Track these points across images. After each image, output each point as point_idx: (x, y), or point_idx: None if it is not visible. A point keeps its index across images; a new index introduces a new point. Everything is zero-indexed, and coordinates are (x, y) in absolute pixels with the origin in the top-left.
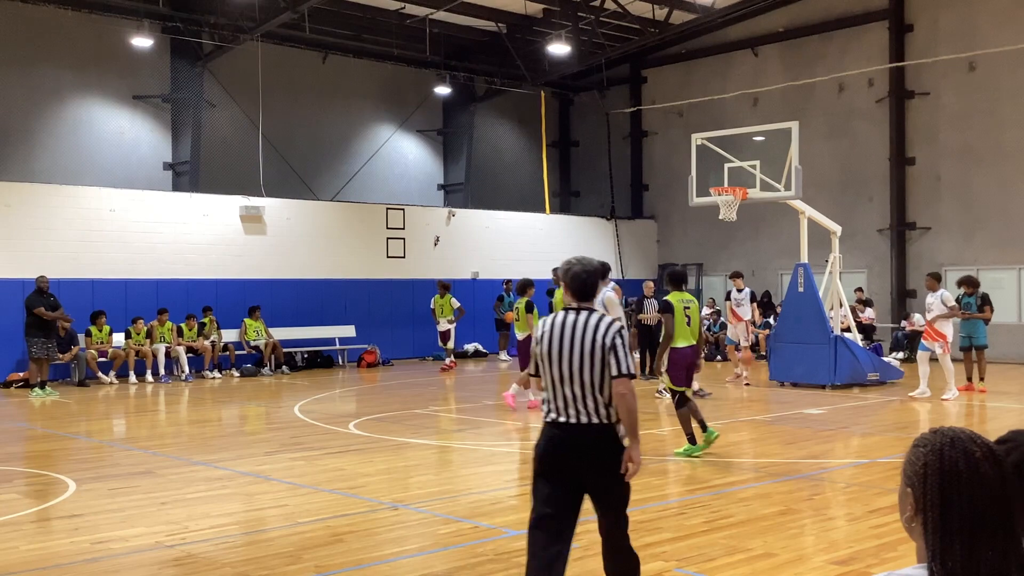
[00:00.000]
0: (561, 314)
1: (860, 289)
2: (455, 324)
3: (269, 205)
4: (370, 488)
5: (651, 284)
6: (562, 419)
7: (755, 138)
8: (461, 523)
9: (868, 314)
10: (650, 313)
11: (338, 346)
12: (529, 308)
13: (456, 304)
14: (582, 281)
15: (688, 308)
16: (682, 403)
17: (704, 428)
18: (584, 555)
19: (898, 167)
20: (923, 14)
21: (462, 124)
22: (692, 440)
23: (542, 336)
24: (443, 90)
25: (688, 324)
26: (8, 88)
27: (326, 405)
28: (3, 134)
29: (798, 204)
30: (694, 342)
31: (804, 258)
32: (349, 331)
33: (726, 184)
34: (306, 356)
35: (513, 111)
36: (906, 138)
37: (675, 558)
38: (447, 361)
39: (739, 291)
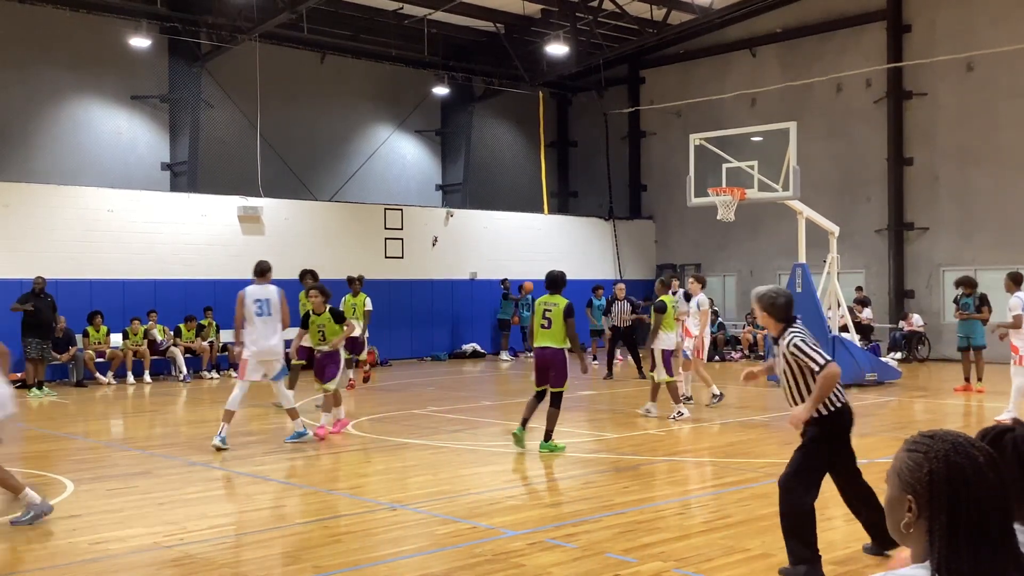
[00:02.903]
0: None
1: (860, 288)
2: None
3: (267, 205)
4: (368, 488)
5: (622, 286)
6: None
7: (753, 138)
8: (459, 523)
9: (866, 314)
10: (621, 316)
11: None
12: (340, 318)
13: (370, 306)
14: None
15: (549, 311)
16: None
17: (522, 427)
18: (582, 556)
19: (896, 167)
20: (921, 14)
21: (460, 124)
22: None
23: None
24: (441, 90)
25: (547, 327)
26: (6, 88)
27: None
28: (1, 134)
29: (796, 204)
30: (551, 344)
31: (802, 258)
32: None
33: (724, 184)
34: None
35: (511, 111)
36: (904, 138)
37: (673, 558)
38: (350, 376)
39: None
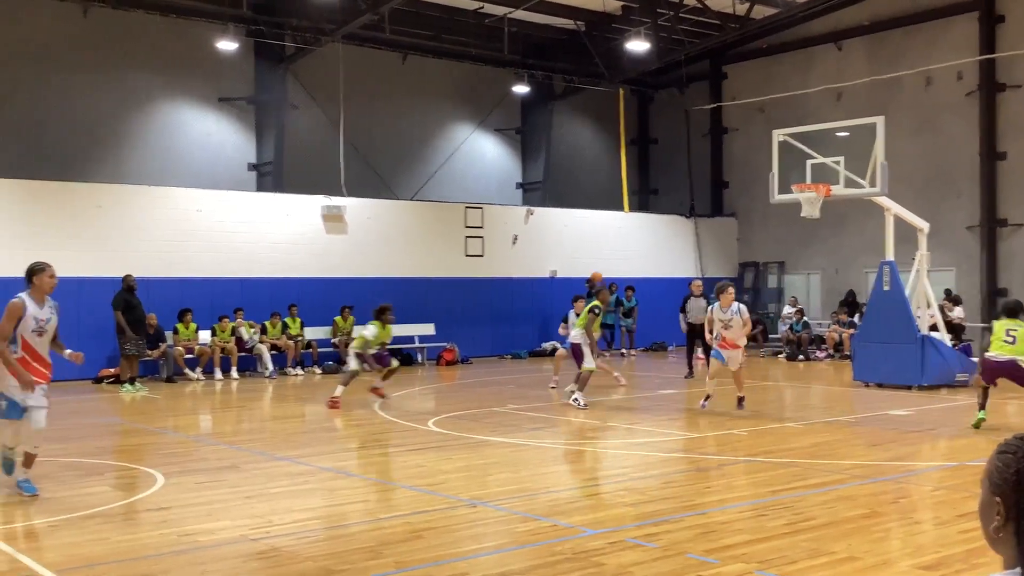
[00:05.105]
0: None
1: (949, 291)
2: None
3: (350, 204)
4: (449, 485)
5: (699, 283)
6: None
7: (839, 134)
8: (539, 521)
9: (957, 313)
10: (695, 313)
11: (417, 344)
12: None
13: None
14: None
15: (1014, 331)
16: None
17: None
18: (663, 556)
19: (988, 162)
20: (1015, 4)
21: (540, 122)
22: None
23: None
24: (521, 89)
25: (1012, 343)
26: (99, 92)
27: (406, 402)
28: (95, 137)
29: (884, 201)
30: (1015, 356)
31: (890, 256)
32: (428, 329)
33: (809, 181)
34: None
35: (591, 109)
36: (997, 132)
37: (756, 560)
38: (335, 394)
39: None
